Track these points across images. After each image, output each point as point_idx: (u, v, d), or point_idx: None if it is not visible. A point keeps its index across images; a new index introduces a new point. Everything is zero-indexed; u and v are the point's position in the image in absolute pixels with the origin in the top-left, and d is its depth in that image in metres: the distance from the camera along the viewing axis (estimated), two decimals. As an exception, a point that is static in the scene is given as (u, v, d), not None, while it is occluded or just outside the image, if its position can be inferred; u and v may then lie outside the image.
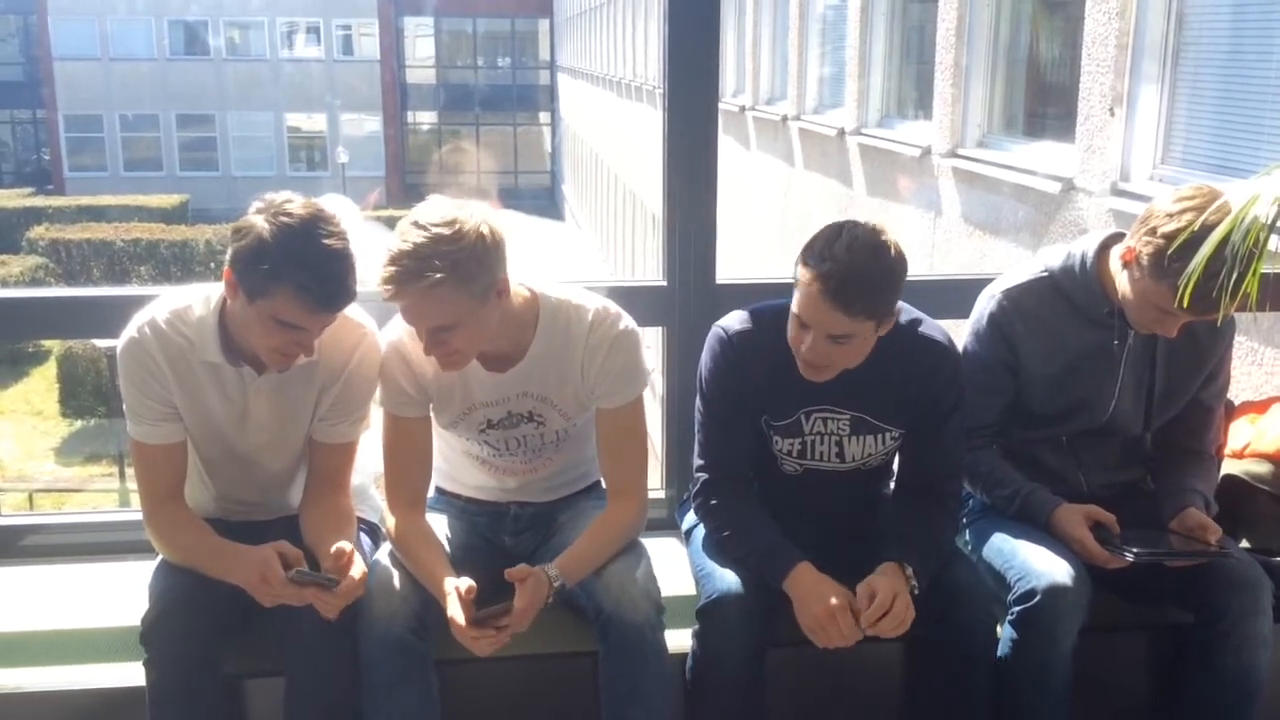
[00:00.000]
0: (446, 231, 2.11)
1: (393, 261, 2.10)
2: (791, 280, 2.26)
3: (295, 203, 2.12)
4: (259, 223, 2.10)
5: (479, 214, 2.17)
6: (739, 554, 2.35)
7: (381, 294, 2.15)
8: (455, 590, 2.17)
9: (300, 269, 2.07)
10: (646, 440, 2.48)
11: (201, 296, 2.28)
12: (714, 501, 2.42)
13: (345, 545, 2.17)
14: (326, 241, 2.09)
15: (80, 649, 2.46)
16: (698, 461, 2.44)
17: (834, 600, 2.21)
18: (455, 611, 2.16)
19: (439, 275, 2.10)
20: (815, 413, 2.38)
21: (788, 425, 2.40)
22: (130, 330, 2.27)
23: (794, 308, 2.24)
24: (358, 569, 2.15)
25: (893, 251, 2.18)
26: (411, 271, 2.09)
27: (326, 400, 2.35)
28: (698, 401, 2.43)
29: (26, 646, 2.49)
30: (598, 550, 2.33)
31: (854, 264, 2.14)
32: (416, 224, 2.12)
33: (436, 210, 2.15)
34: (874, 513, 2.51)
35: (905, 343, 2.35)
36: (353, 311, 2.36)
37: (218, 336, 2.25)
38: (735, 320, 2.40)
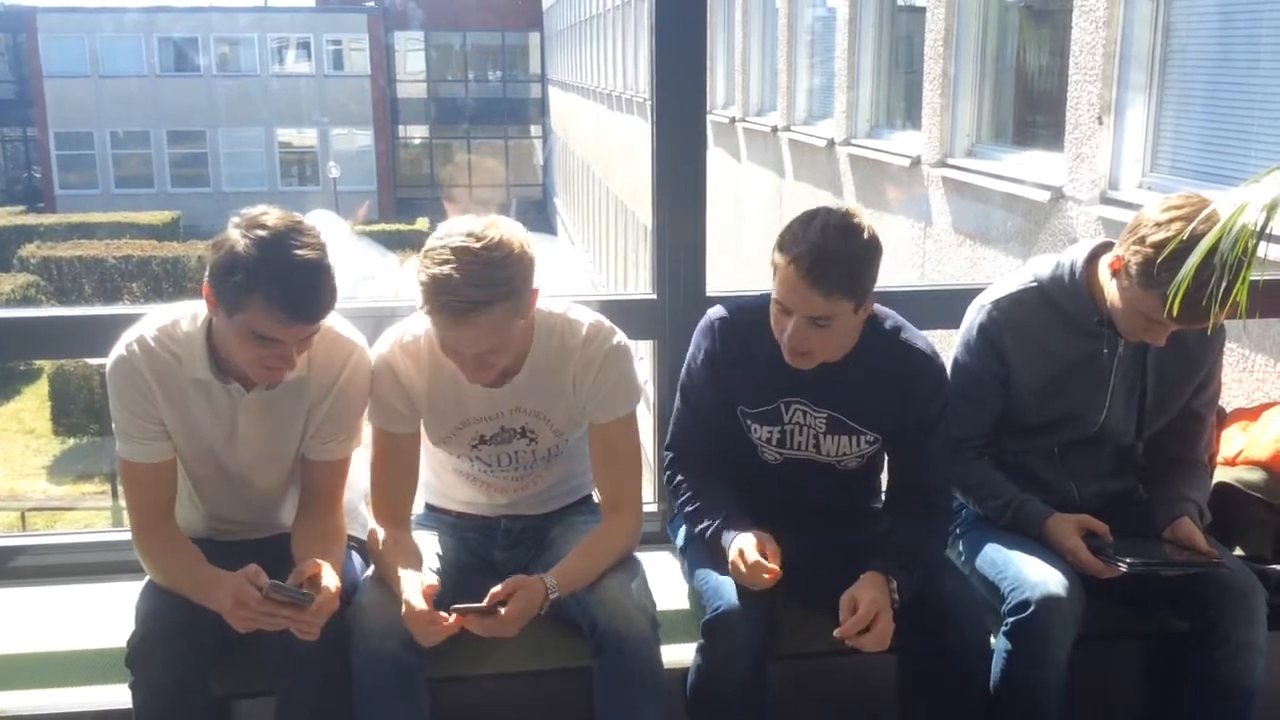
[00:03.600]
0: (500, 254, 2.11)
1: (449, 292, 2.08)
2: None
3: (271, 215, 2.11)
4: (234, 236, 2.09)
5: (510, 229, 2.16)
6: (702, 525, 2.39)
7: (433, 324, 2.15)
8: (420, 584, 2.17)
9: (270, 280, 2.05)
10: (640, 455, 2.48)
11: (189, 313, 2.26)
12: (679, 478, 2.48)
13: (316, 562, 2.15)
14: (298, 252, 2.07)
15: (67, 671, 2.43)
16: (669, 435, 2.52)
17: (752, 546, 2.25)
18: (413, 595, 2.14)
19: (501, 304, 2.11)
20: (795, 404, 2.40)
21: (765, 412, 2.42)
22: (119, 348, 2.25)
23: (774, 294, 2.28)
24: (330, 581, 2.13)
25: (865, 233, 2.23)
26: (475, 302, 2.08)
27: (316, 418, 2.34)
28: (678, 391, 2.50)
29: (12, 669, 2.46)
30: (592, 564, 2.32)
31: (827, 244, 2.19)
32: (467, 250, 2.09)
33: (478, 232, 2.12)
34: (855, 522, 2.51)
35: (886, 348, 2.38)
36: (342, 328, 2.35)
37: (206, 353, 2.24)
38: (726, 307, 2.47)
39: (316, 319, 2.13)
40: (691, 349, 2.48)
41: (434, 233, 2.17)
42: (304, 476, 2.39)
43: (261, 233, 2.07)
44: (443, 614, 2.14)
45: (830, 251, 2.18)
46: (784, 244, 2.24)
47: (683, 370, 2.50)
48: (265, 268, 2.05)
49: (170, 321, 2.26)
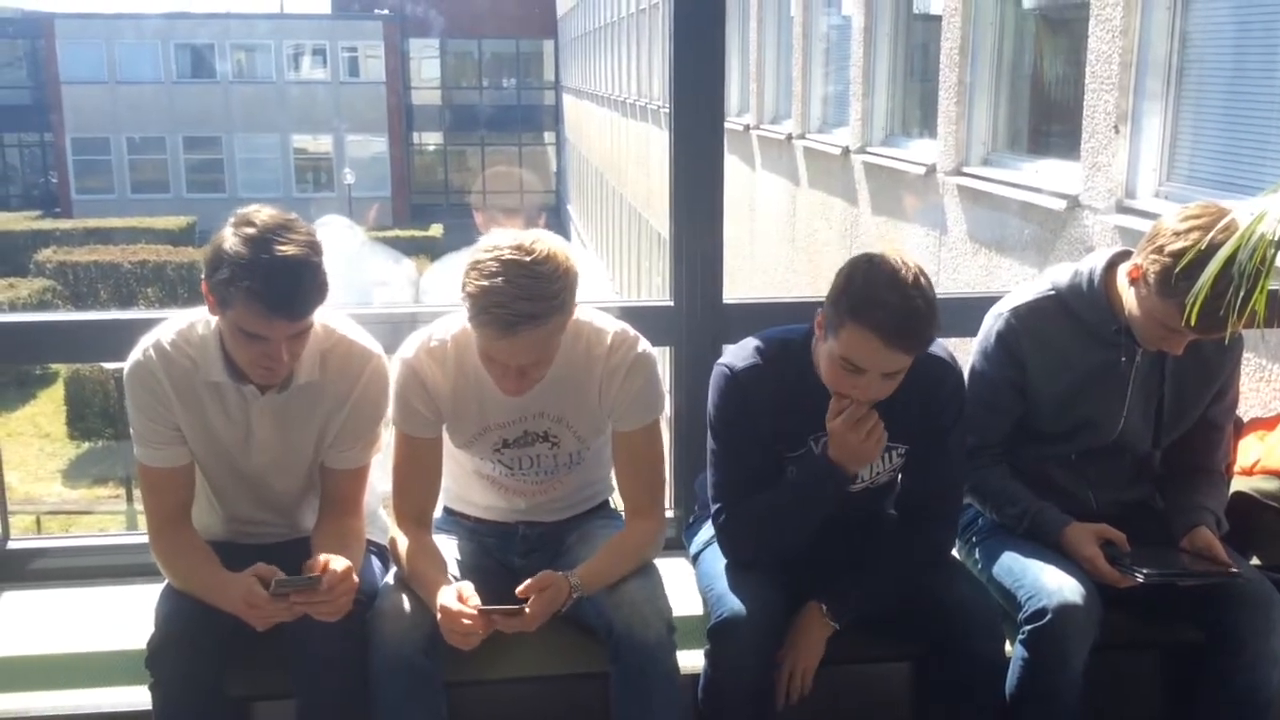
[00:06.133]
0: (549, 268, 2.12)
1: (501, 305, 2.09)
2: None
3: (262, 213, 2.13)
4: (225, 233, 2.12)
5: (555, 243, 2.17)
6: (781, 542, 2.38)
7: (480, 336, 2.16)
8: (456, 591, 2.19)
9: (250, 276, 2.07)
10: (664, 463, 2.49)
11: (204, 317, 2.28)
12: (740, 541, 2.40)
13: (323, 556, 2.16)
14: (281, 249, 2.08)
15: (87, 673, 2.45)
16: (714, 496, 2.43)
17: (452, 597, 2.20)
18: (449, 600, 2.15)
19: (552, 318, 2.13)
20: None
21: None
22: (135, 354, 2.28)
23: (842, 351, 2.19)
24: (339, 564, 2.13)
25: (924, 278, 2.19)
26: (526, 315, 2.10)
27: (333, 427, 2.35)
28: (709, 439, 2.42)
29: (33, 670, 2.48)
30: (615, 566, 2.33)
31: (907, 306, 2.13)
32: (518, 264, 2.11)
33: (527, 246, 2.13)
34: (871, 530, 2.51)
35: None
36: (359, 336, 2.37)
37: (221, 355, 2.26)
38: (739, 356, 2.39)
39: (299, 315, 2.14)
40: (717, 402, 2.38)
41: (478, 245, 2.18)
42: (323, 483, 2.40)
43: (249, 230, 2.10)
44: (470, 611, 2.15)
45: (914, 312, 2.13)
46: (855, 308, 2.14)
47: (710, 423, 2.41)
48: (247, 263, 2.07)
49: (187, 325, 2.29)
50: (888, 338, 2.14)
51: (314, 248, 2.13)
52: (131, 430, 2.30)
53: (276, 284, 2.08)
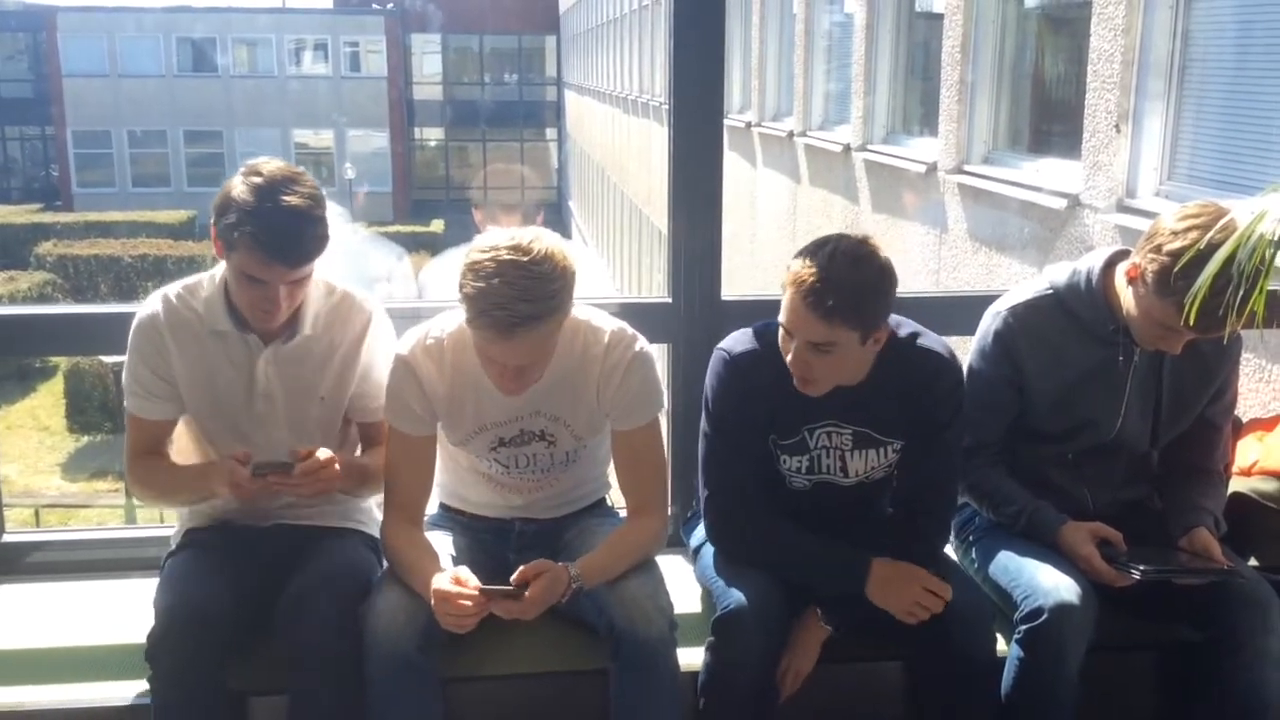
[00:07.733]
0: (547, 268, 2.11)
1: (500, 307, 2.08)
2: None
3: (271, 164, 2.25)
4: (234, 180, 2.23)
5: (553, 242, 2.17)
6: (773, 562, 2.37)
7: (478, 337, 2.17)
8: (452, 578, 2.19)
9: (254, 220, 2.17)
10: (665, 461, 2.49)
11: (210, 273, 2.38)
12: (724, 523, 2.43)
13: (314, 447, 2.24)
14: (285, 198, 2.18)
15: (85, 666, 2.45)
16: (703, 484, 2.44)
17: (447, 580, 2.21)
18: (443, 583, 2.16)
19: (551, 318, 2.13)
20: (819, 428, 2.39)
21: (793, 444, 2.41)
22: (143, 307, 2.37)
23: (780, 316, 2.27)
24: (322, 454, 2.22)
25: (875, 263, 2.21)
26: (526, 316, 2.09)
27: (347, 379, 2.42)
28: (704, 423, 2.43)
29: (31, 664, 2.48)
30: (616, 560, 2.33)
31: (832, 271, 2.17)
32: (516, 264, 2.09)
33: (524, 246, 2.11)
34: (870, 527, 2.51)
35: (905, 355, 2.36)
36: (360, 293, 2.45)
37: (225, 304, 2.33)
38: (738, 341, 2.41)
39: (298, 262, 2.22)
40: (714, 386, 2.40)
41: (474, 245, 2.16)
42: (360, 435, 2.52)
43: (256, 179, 2.21)
44: (468, 590, 2.15)
45: (835, 278, 2.16)
46: (792, 267, 2.23)
47: (706, 406, 2.42)
48: (252, 211, 2.18)
49: (194, 281, 2.40)
50: (800, 293, 2.19)
51: (317, 200, 2.24)
52: (124, 380, 2.39)
53: (278, 231, 2.17)
